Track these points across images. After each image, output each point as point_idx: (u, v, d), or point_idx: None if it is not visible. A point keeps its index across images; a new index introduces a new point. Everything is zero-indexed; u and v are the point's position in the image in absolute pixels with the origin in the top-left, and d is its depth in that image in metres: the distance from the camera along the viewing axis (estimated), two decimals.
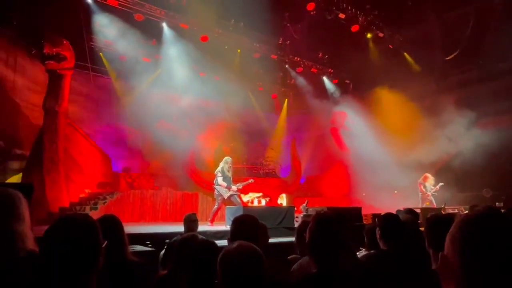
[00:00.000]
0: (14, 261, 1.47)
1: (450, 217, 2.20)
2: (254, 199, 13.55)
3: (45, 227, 1.37)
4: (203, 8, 12.13)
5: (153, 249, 5.02)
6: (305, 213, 8.76)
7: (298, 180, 16.92)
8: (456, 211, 9.77)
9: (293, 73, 17.08)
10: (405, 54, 15.45)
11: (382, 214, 3.02)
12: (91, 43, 12.62)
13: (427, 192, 11.03)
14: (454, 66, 13.99)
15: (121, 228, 2.39)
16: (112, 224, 2.35)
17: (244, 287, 1.52)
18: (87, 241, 1.34)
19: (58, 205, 9.36)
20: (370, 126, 14.78)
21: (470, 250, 0.81)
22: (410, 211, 4.14)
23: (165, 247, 4.23)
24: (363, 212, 8.82)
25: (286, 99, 18.15)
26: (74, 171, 10.93)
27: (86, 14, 11.74)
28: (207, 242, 1.96)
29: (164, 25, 13.18)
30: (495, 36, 12.43)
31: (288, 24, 15.18)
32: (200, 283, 1.80)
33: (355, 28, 14.29)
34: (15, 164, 10.93)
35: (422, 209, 9.07)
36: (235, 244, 1.63)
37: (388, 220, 2.80)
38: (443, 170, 12.78)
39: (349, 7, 13.82)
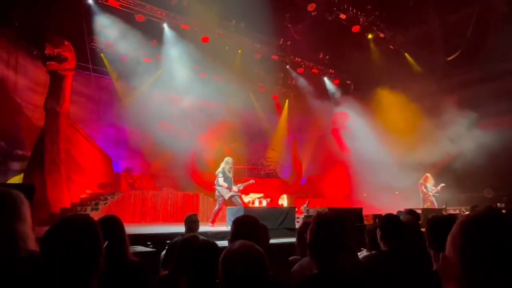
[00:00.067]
0: (16, 262, 1.47)
1: (451, 217, 2.20)
2: (255, 200, 13.57)
3: (47, 228, 1.37)
4: (204, 9, 12.15)
5: (154, 249, 5.02)
6: (306, 214, 8.75)
7: (299, 181, 16.92)
8: (457, 211, 9.76)
9: (294, 74, 17.08)
10: (406, 54, 15.44)
11: (383, 215, 3.02)
12: (92, 44, 12.65)
13: (428, 193, 11.02)
14: (455, 67, 13.97)
15: (122, 229, 2.39)
16: (113, 224, 2.36)
17: (246, 287, 1.52)
18: (87, 242, 1.34)
19: (59, 206, 9.38)
20: (371, 127, 14.77)
21: (470, 251, 0.81)
22: (411, 212, 4.13)
23: (166, 247, 4.23)
24: (364, 212, 8.81)
25: (287, 100, 18.16)
26: (75, 172, 10.94)
27: (87, 15, 11.76)
28: (208, 242, 1.96)
29: (165, 26, 13.21)
30: (496, 37, 12.42)
31: (289, 25, 15.19)
32: (201, 283, 1.80)
33: (356, 28, 14.29)
34: (16, 165, 10.95)
35: (423, 209, 9.05)
36: (237, 243, 1.62)
37: (388, 221, 2.79)
38: (444, 171, 12.76)
39: (350, 8, 13.82)
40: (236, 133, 15.12)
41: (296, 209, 9.09)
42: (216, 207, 8.73)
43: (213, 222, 8.57)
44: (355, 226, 7.13)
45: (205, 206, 11.10)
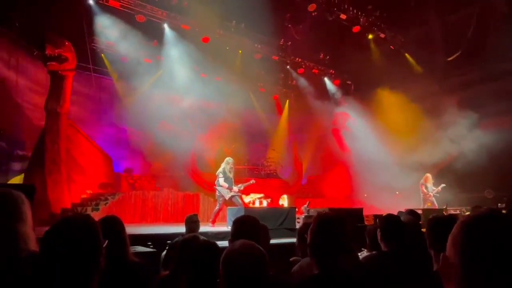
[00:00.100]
0: (16, 262, 1.47)
1: (452, 218, 2.19)
2: (256, 200, 13.57)
3: (47, 228, 1.37)
4: (205, 9, 12.15)
5: (154, 250, 5.02)
6: (306, 214, 8.75)
7: (300, 181, 16.92)
8: (458, 212, 9.74)
9: (294, 74, 17.08)
10: (407, 55, 15.43)
11: (383, 215, 3.02)
12: (93, 44, 12.65)
13: (428, 193, 11.01)
14: (456, 67, 13.96)
15: (122, 229, 2.40)
16: (113, 225, 2.36)
17: (247, 287, 1.52)
18: (87, 242, 1.34)
19: (60, 206, 9.38)
20: (371, 127, 14.77)
21: (470, 251, 0.81)
22: (411, 212, 4.13)
23: (167, 248, 4.24)
24: (365, 213, 8.81)
25: (288, 100, 18.16)
26: (76, 172, 10.94)
27: (87, 16, 11.77)
28: (208, 243, 1.96)
29: (166, 26, 13.21)
30: (497, 37, 12.41)
31: (289, 25, 15.18)
32: (202, 284, 1.80)
33: (356, 29, 14.28)
34: (17, 165, 10.96)
35: (423, 210, 9.04)
36: (238, 243, 1.62)
37: (389, 221, 2.79)
38: (445, 171, 12.75)
39: (351, 8, 13.81)
40: (236, 133, 15.12)
41: (297, 210, 9.09)
42: (217, 207, 8.73)
43: (213, 222, 8.57)
44: (356, 226, 7.14)
45: (205, 207, 11.09)
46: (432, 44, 14.20)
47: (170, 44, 13.35)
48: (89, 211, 9.23)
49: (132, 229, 5.66)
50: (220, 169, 8.68)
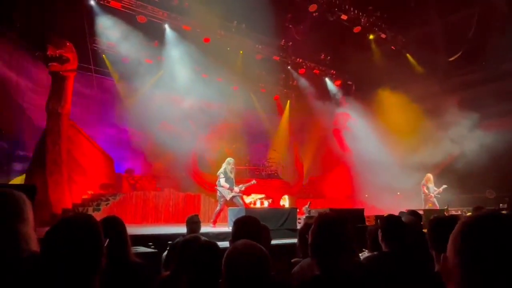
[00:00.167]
0: (18, 262, 1.48)
1: (453, 218, 2.19)
2: (257, 201, 13.56)
3: (48, 229, 1.37)
4: (205, 10, 12.15)
5: (155, 250, 5.02)
6: (307, 215, 8.74)
7: (301, 182, 16.91)
8: (459, 212, 9.73)
9: (295, 75, 17.08)
10: (408, 55, 15.43)
11: (385, 215, 3.01)
12: (94, 45, 12.68)
13: (430, 194, 11.00)
14: (457, 68, 13.96)
15: (123, 230, 2.40)
16: (114, 225, 2.36)
17: (249, 287, 1.52)
18: (88, 241, 1.34)
19: (61, 207, 9.39)
20: (372, 128, 14.76)
21: (470, 251, 0.81)
22: (413, 213, 4.12)
23: (168, 248, 4.24)
24: (366, 213, 8.80)
25: (289, 101, 18.15)
26: (77, 173, 10.95)
27: (89, 16, 11.79)
28: (209, 243, 1.96)
29: (167, 26, 13.23)
30: (498, 37, 12.40)
31: (290, 26, 15.18)
32: (202, 284, 1.80)
33: (357, 29, 14.28)
34: (18, 166, 10.98)
35: (425, 210, 9.04)
36: (241, 243, 1.62)
37: (390, 222, 2.78)
38: (446, 172, 12.74)
39: (352, 8, 13.81)
40: (237, 133, 15.13)
41: (298, 210, 9.08)
42: (218, 208, 8.73)
43: (214, 222, 8.57)
44: (357, 227, 7.13)
45: (206, 207, 11.10)
46: (433, 45, 14.19)
47: (171, 45, 13.37)
48: (90, 211, 9.23)
49: (133, 230, 5.66)
50: (221, 170, 8.68)
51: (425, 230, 2.73)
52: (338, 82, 17.64)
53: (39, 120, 10.86)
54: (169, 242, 4.90)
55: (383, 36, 14.89)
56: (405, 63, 15.18)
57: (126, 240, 2.35)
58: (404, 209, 5.81)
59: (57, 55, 9.85)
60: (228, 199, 8.49)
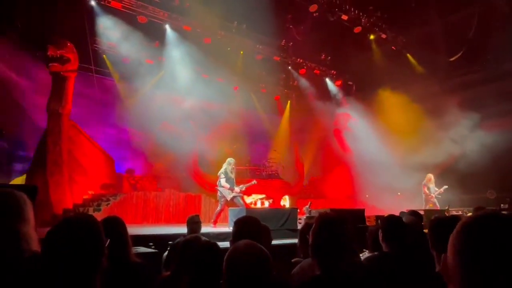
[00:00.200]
0: (19, 262, 1.48)
1: (454, 218, 2.19)
2: (257, 201, 13.56)
3: (49, 229, 1.38)
4: (206, 10, 12.17)
5: (156, 250, 5.02)
6: (308, 215, 8.73)
7: (301, 182, 16.90)
8: (460, 213, 9.72)
9: (295, 75, 17.09)
10: (408, 55, 15.42)
11: (385, 216, 3.01)
12: (95, 45, 12.69)
13: (430, 194, 10.99)
14: (457, 68, 13.94)
15: (124, 230, 2.40)
16: (115, 225, 2.37)
17: (250, 287, 1.52)
18: (89, 241, 1.34)
19: (62, 207, 9.39)
20: (373, 128, 14.76)
21: (470, 251, 0.81)
22: (413, 213, 4.12)
23: (168, 248, 4.24)
24: (366, 213, 8.80)
25: (289, 101, 18.16)
26: (78, 173, 10.95)
27: (89, 17, 11.80)
28: (210, 243, 1.96)
29: (167, 27, 13.24)
30: (498, 37, 12.39)
31: (290, 26, 15.19)
32: (203, 284, 1.80)
33: (358, 29, 14.28)
34: (19, 166, 11.00)
35: (425, 211, 9.03)
36: (242, 243, 1.62)
37: (391, 222, 2.78)
38: (447, 172, 12.72)
39: (352, 9, 13.80)
40: (238, 134, 15.13)
41: (298, 210, 9.07)
42: (218, 208, 8.73)
43: (215, 223, 8.57)
44: (357, 227, 7.13)
45: (207, 207, 11.10)
46: (433, 45, 14.18)
47: (172, 45, 13.38)
48: (91, 211, 9.23)
49: (133, 230, 5.66)
50: (222, 170, 8.68)
51: (425, 231, 2.73)
52: (339, 82, 17.64)
53: (39, 120, 10.87)
54: (170, 242, 4.90)
55: (384, 36, 14.88)
56: (405, 63, 15.17)
57: (126, 240, 2.36)
58: (405, 209, 5.81)
59: (58, 56, 9.86)
60: (228, 199, 8.49)
